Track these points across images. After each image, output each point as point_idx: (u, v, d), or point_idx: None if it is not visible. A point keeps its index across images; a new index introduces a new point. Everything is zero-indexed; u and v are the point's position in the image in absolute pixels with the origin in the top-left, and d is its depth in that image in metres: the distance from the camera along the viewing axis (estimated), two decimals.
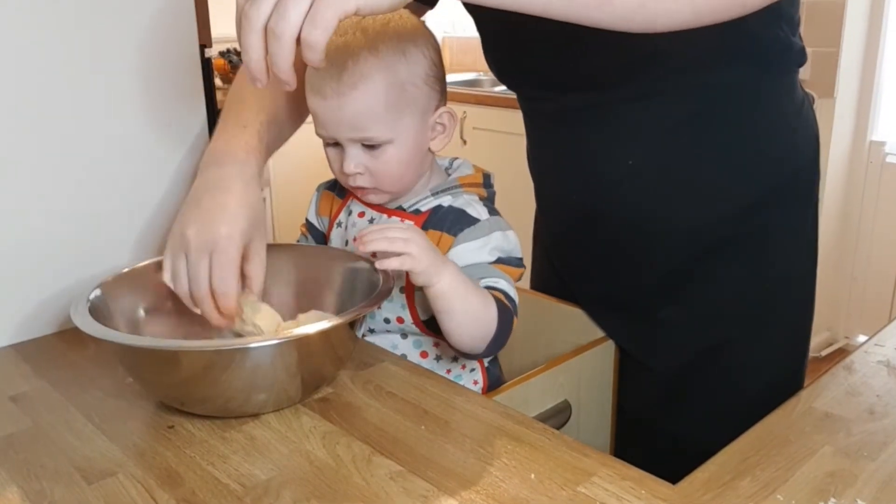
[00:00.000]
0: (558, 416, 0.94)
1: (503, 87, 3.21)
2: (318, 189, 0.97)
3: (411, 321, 0.87)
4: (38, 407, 0.75)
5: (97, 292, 0.76)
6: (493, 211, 0.87)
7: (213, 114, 1.00)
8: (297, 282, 0.87)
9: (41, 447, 0.68)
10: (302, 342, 0.68)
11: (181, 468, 0.64)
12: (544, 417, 0.91)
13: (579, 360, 0.96)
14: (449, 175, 0.90)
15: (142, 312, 0.81)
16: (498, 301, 0.79)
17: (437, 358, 0.90)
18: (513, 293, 0.82)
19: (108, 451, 0.67)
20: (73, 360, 0.84)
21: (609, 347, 1.01)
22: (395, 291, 0.85)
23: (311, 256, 0.89)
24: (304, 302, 0.84)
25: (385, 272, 0.76)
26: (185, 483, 0.62)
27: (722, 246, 0.90)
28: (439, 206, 0.85)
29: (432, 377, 0.79)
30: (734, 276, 0.91)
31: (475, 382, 0.93)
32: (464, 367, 0.92)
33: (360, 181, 0.83)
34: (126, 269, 0.81)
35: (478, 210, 0.85)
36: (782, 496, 0.59)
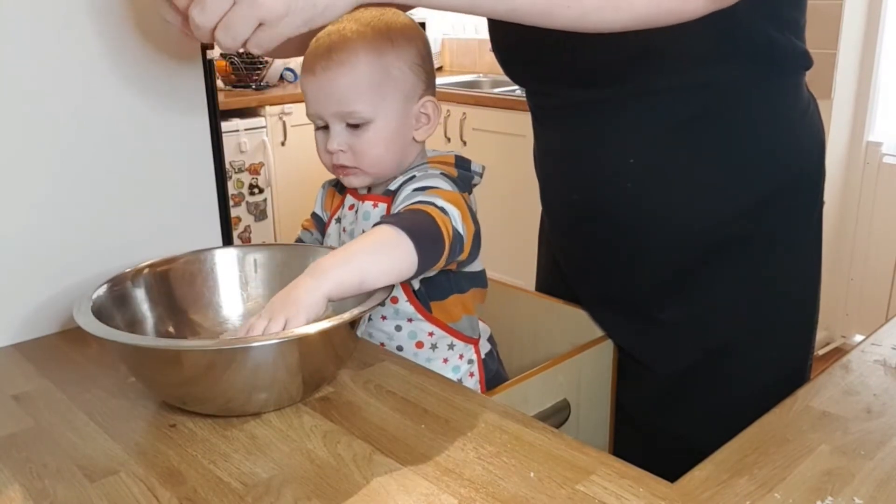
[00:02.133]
0: (557, 415, 0.94)
1: (502, 89, 3.22)
2: (323, 186, 1.01)
3: (406, 299, 0.88)
4: (40, 406, 0.75)
5: (99, 292, 0.76)
6: (457, 189, 0.85)
7: (214, 116, 1.00)
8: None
9: (43, 446, 0.68)
10: (303, 342, 0.68)
11: (183, 467, 0.64)
12: (544, 416, 0.91)
13: (579, 359, 0.97)
14: None
15: (144, 312, 0.82)
16: (416, 216, 0.77)
17: (433, 347, 0.91)
18: (441, 204, 0.79)
19: (110, 450, 0.67)
20: (76, 360, 0.85)
21: (608, 347, 1.01)
22: None
23: (309, 255, 0.89)
24: None
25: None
26: (187, 481, 0.62)
27: (724, 246, 0.90)
28: (405, 182, 0.87)
29: (432, 376, 0.79)
30: (736, 276, 0.91)
31: (471, 375, 0.94)
32: (461, 356, 0.93)
33: (343, 159, 0.87)
34: (128, 269, 0.82)
35: (436, 181, 0.84)
36: (780, 494, 0.59)
